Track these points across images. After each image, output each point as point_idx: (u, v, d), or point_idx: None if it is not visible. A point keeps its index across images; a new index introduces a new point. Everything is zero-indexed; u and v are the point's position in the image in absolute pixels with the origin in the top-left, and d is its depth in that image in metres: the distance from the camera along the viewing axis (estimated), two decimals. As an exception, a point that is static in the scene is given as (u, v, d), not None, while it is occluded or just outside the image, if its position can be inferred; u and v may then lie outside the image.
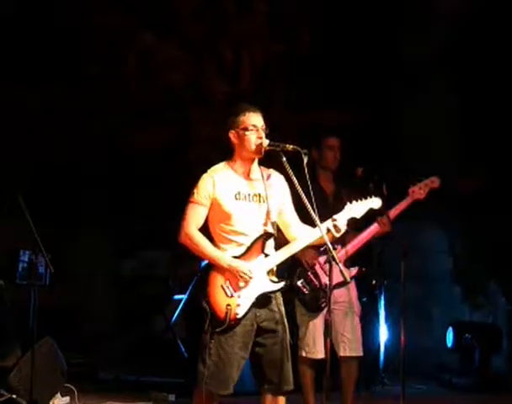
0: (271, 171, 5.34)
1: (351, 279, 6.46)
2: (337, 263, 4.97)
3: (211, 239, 5.26)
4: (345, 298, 6.68)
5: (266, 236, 5.19)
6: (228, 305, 5.02)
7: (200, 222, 5.25)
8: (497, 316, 10.81)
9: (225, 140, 5.30)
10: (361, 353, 6.75)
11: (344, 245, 6.46)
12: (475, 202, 10.13)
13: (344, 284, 6.02)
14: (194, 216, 5.22)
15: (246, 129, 5.19)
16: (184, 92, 10.36)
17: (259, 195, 5.24)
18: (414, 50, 10.30)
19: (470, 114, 10.11)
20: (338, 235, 5.21)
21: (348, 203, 5.34)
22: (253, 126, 5.19)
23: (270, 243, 5.22)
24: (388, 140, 10.51)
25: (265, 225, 5.21)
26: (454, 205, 10.11)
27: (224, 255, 5.13)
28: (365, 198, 5.42)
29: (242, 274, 5.05)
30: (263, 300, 5.14)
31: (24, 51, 9.48)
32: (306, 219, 5.23)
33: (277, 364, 5.14)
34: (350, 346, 6.66)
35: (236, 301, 5.05)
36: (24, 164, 9.45)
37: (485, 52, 9.90)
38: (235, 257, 5.12)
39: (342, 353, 6.65)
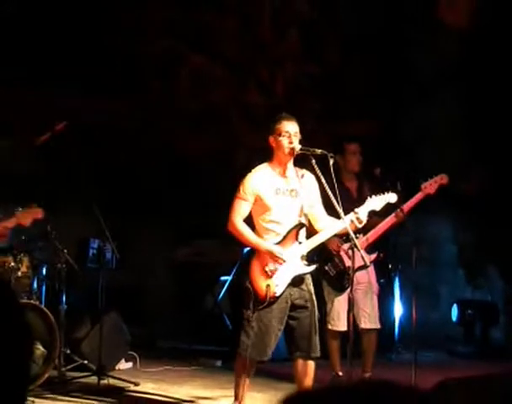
0: (304, 171, 5.37)
1: (370, 263, 6.41)
2: (358, 250, 4.97)
3: (254, 230, 5.26)
4: (365, 279, 6.66)
5: (300, 226, 5.18)
6: (268, 285, 5.02)
7: (244, 215, 5.28)
8: (494, 295, 10.68)
9: (266, 144, 5.30)
10: (379, 326, 6.77)
11: (366, 233, 6.39)
12: (477, 199, 9.99)
13: (364, 267, 5.94)
14: (239, 210, 5.25)
15: (280, 134, 5.20)
16: (228, 105, 10.36)
17: (295, 190, 5.24)
18: (423, 61, 10.11)
19: (473, 120, 9.92)
20: (360, 225, 5.25)
21: (368, 197, 5.34)
22: (286, 132, 5.19)
23: (303, 232, 5.22)
24: (399, 143, 10.38)
25: (299, 216, 5.20)
26: (459, 201, 9.95)
27: (263, 241, 5.13)
28: (383, 193, 5.39)
29: (277, 256, 5.04)
30: (297, 281, 5.12)
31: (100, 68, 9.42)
32: (331, 212, 5.22)
33: (306, 335, 5.18)
34: (370, 319, 6.67)
35: (274, 282, 5.04)
36: (101, 171, 9.40)
37: (490, 60, 9.67)
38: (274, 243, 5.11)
39: (363, 326, 6.66)
